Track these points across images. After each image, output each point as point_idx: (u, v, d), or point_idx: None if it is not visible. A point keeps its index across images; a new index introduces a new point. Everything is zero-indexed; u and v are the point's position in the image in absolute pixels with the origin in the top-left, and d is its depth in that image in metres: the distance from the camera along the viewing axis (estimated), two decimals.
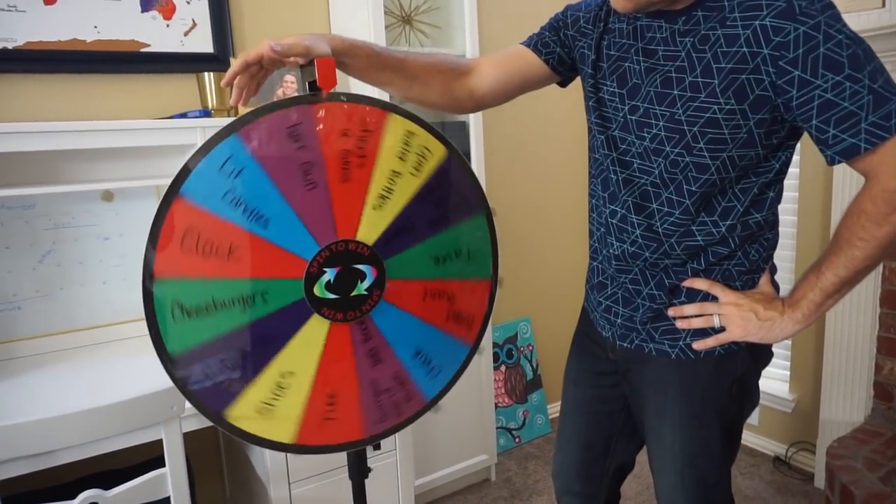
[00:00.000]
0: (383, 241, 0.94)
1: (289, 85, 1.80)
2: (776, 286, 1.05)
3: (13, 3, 1.58)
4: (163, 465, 1.17)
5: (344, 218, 0.91)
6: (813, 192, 2.18)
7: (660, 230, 1.00)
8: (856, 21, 1.89)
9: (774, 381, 2.39)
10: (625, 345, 1.09)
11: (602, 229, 1.08)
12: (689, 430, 1.04)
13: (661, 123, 0.95)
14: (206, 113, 1.67)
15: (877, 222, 0.86)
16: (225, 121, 1.42)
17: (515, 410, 2.64)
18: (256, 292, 0.87)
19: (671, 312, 1.03)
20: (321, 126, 0.88)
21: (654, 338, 1.05)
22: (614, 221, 1.04)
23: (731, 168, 0.94)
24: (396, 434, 1.73)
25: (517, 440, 2.63)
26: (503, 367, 2.62)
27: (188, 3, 1.81)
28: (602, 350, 1.16)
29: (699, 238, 0.98)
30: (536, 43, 1.14)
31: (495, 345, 2.57)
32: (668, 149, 0.95)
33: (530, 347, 2.71)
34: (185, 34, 1.81)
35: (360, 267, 0.94)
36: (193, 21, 1.82)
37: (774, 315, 0.96)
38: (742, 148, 0.92)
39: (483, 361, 2.23)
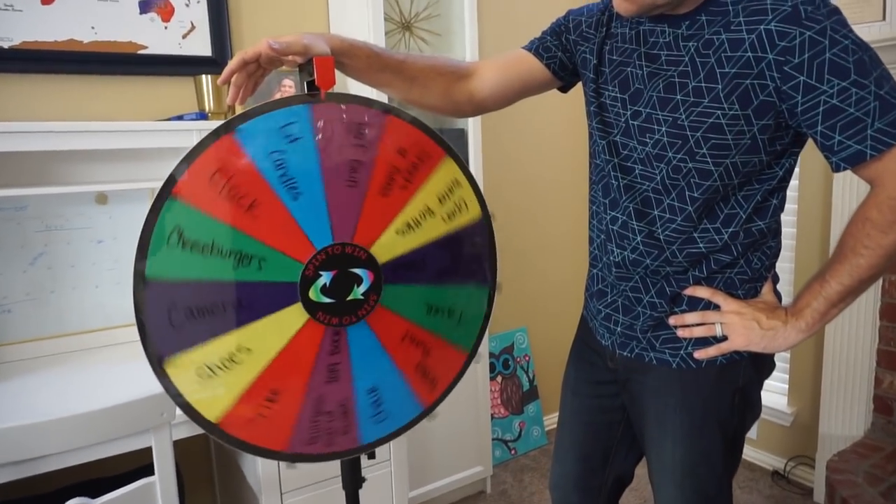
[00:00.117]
0: (392, 266, 0.93)
1: (287, 89, 1.79)
2: (778, 296, 1.03)
3: (10, 3, 1.56)
4: (152, 473, 1.14)
5: (367, 227, 0.90)
6: (812, 203, 2.17)
7: (661, 237, 0.98)
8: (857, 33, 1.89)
9: (773, 394, 2.37)
10: (625, 354, 1.07)
11: (602, 236, 1.07)
12: (690, 441, 1.02)
13: (663, 129, 0.93)
14: (202, 116, 1.65)
15: (882, 230, 0.85)
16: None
17: (511, 421, 2.62)
18: (256, 255, 0.84)
19: (672, 321, 1.01)
20: (385, 135, 0.90)
21: (655, 346, 1.03)
22: (615, 228, 1.03)
23: (735, 174, 0.92)
24: (391, 444, 1.71)
25: (513, 452, 2.60)
26: (499, 378, 2.59)
27: (187, 5, 1.80)
28: (601, 359, 1.14)
29: (701, 245, 0.97)
30: (538, 47, 1.12)
31: (491, 355, 2.55)
32: (670, 154, 0.94)
33: (527, 358, 2.68)
34: (184, 37, 1.80)
35: (357, 271, 0.92)
36: (192, 24, 1.81)
37: (777, 324, 0.94)
38: (745, 154, 0.91)
39: (479, 371, 2.21)
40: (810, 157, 1.97)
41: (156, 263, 0.80)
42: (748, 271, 0.99)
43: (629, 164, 1.00)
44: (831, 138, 0.84)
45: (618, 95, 1.00)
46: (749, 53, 0.85)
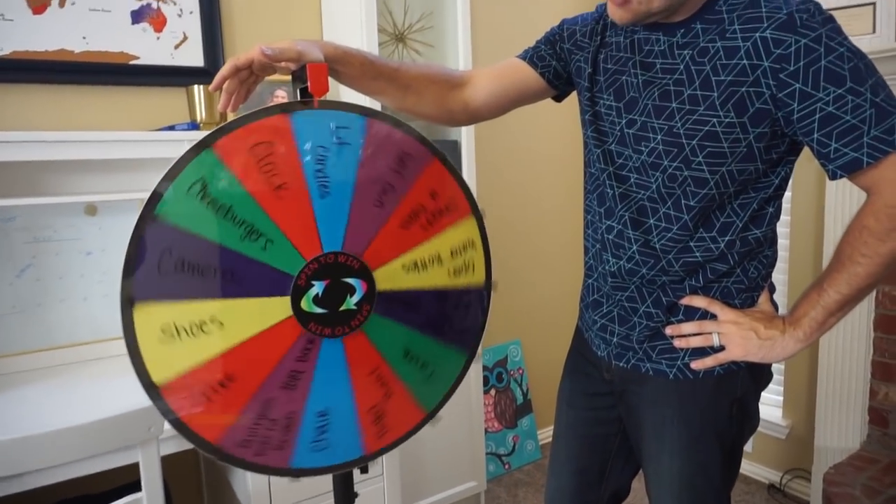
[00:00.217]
0: (388, 297, 0.91)
1: (279, 99, 1.78)
2: (775, 306, 1.03)
3: (0, 12, 1.55)
4: (140, 489, 1.12)
5: (378, 249, 0.90)
6: (805, 213, 2.18)
7: (657, 246, 0.97)
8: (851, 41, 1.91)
9: (768, 406, 2.36)
10: (621, 364, 1.06)
11: (598, 245, 1.06)
12: (688, 453, 1.01)
13: (658, 137, 0.93)
14: (194, 126, 1.64)
15: (879, 238, 0.84)
16: None
17: (505, 436, 2.59)
18: (265, 235, 0.83)
19: (669, 331, 1.00)
20: (425, 174, 0.92)
21: (652, 357, 1.02)
22: (610, 237, 1.02)
23: (731, 183, 0.92)
24: (384, 458, 1.69)
25: (507, 466, 2.58)
26: (493, 391, 2.57)
27: (179, 16, 1.79)
28: (597, 370, 1.13)
29: (697, 254, 0.96)
30: (532, 56, 1.12)
31: (485, 368, 2.52)
32: (665, 163, 0.93)
33: (520, 371, 2.66)
34: (176, 47, 1.80)
35: (350, 280, 0.91)
36: (184, 34, 1.81)
37: (775, 334, 0.93)
38: (741, 162, 0.90)
39: (472, 385, 2.19)
40: (803, 167, 1.98)
41: (170, 203, 0.78)
42: (745, 280, 0.98)
43: (624, 172, 0.99)
44: (827, 146, 0.84)
45: (613, 104, 1.00)
46: (744, 61, 0.85)
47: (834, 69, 0.81)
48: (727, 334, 0.96)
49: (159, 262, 0.78)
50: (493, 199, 2.47)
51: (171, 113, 1.78)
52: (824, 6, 0.85)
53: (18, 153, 1.40)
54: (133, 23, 1.73)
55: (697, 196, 0.93)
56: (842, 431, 2.04)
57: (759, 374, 1.02)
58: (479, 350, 1.01)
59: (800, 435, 2.28)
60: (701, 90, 0.89)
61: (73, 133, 1.46)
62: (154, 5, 1.75)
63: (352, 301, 0.91)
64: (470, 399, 2.18)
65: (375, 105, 1.29)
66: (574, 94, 1.17)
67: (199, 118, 1.67)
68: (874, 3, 1.93)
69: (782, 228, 2.19)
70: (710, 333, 0.97)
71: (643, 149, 0.95)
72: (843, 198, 1.96)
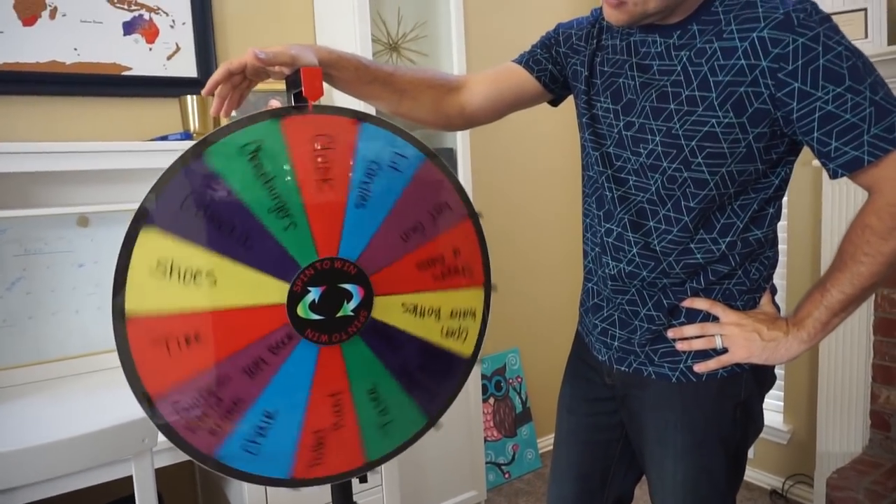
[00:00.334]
0: (378, 327, 0.90)
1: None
2: (777, 308, 1.02)
3: None
4: (133, 503, 1.09)
5: (388, 278, 0.90)
6: (803, 216, 2.18)
7: (657, 248, 0.96)
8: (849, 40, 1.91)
9: (769, 412, 2.35)
10: (622, 369, 1.05)
11: (597, 249, 1.05)
12: (692, 458, 0.99)
13: (657, 138, 0.92)
14: (187, 136, 1.63)
15: (882, 237, 0.83)
16: None
17: (505, 445, 2.57)
18: (293, 218, 0.83)
19: (671, 334, 0.99)
20: (455, 230, 0.94)
21: (654, 360, 1.01)
22: (610, 240, 1.01)
23: (731, 183, 0.91)
24: (383, 467, 1.66)
25: (507, 476, 2.55)
26: (492, 400, 2.55)
27: (172, 27, 1.79)
28: (598, 375, 1.11)
29: (698, 256, 0.95)
30: (528, 60, 1.12)
31: (483, 376, 2.51)
32: (664, 164, 0.92)
33: (519, 379, 2.64)
34: (169, 58, 1.79)
35: (347, 286, 0.89)
36: (177, 45, 1.80)
37: (779, 335, 0.92)
38: (741, 163, 0.89)
39: (471, 393, 2.17)
40: (799, 170, 1.98)
41: (219, 150, 0.79)
42: (747, 282, 0.97)
43: (623, 175, 0.98)
44: (828, 145, 0.83)
45: (610, 106, 0.99)
46: (742, 61, 0.85)
47: (832, 68, 0.81)
48: (730, 336, 0.95)
49: (185, 199, 0.78)
50: (489, 206, 2.46)
51: (164, 123, 1.77)
52: None
53: (9, 164, 1.39)
54: (125, 34, 1.72)
55: (697, 197, 0.92)
56: (843, 436, 2.03)
57: (762, 377, 1.01)
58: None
59: (801, 440, 2.26)
60: (699, 91, 0.88)
61: (65, 144, 1.45)
62: (146, 16, 1.75)
63: (349, 307, 0.89)
64: (469, 407, 2.16)
65: (381, 113, 1.28)
66: (570, 99, 1.16)
67: (192, 128, 1.66)
68: (865, 9, 1.94)
69: (780, 233, 2.20)
70: (713, 336, 0.96)
71: (642, 151, 0.94)
72: (841, 201, 1.96)
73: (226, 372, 0.82)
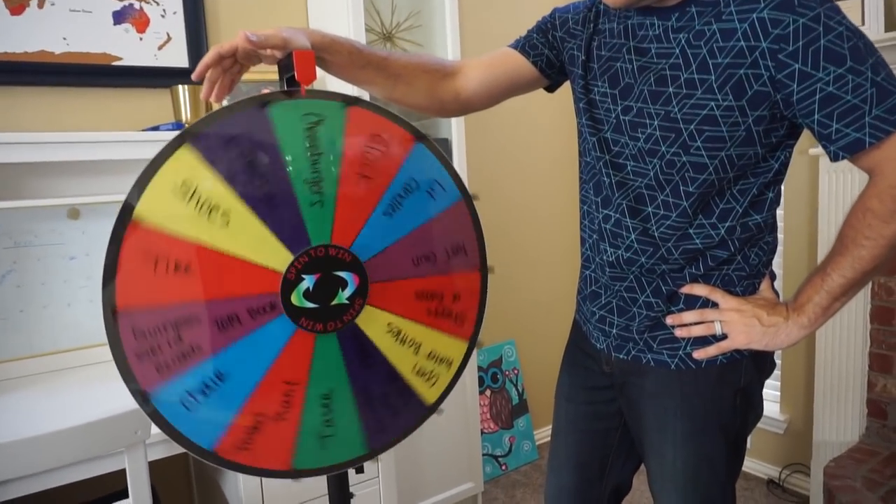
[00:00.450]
0: (356, 333, 0.88)
1: None
2: (776, 293, 1.01)
3: None
4: (127, 497, 1.08)
5: (383, 292, 0.90)
6: (799, 202, 2.17)
7: (656, 234, 0.95)
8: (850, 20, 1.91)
9: (765, 401, 2.34)
10: (621, 356, 1.04)
11: (595, 236, 1.04)
12: (692, 445, 0.99)
13: (655, 123, 0.91)
14: (179, 126, 1.61)
15: (884, 220, 0.82)
16: None
17: (501, 436, 2.56)
18: (325, 198, 0.84)
19: (670, 320, 0.98)
20: (462, 276, 0.95)
21: (653, 347, 1.00)
22: (608, 227, 1.00)
23: (730, 168, 0.90)
24: (380, 459, 1.65)
25: (504, 467, 2.55)
26: (488, 392, 2.54)
27: (163, 16, 1.76)
28: (596, 363, 1.10)
29: (697, 241, 0.94)
30: (524, 45, 1.10)
31: (480, 368, 2.50)
32: (663, 149, 0.91)
33: (515, 371, 2.64)
34: (160, 48, 1.76)
35: (341, 274, 0.88)
36: (168, 35, 1.77)
37: (779, 320, 0.91)
38: (740, 146, 0.88)
39: (468, 385, 2.16)
40: (796, 158, 1.98)
41: (282, 111, 0.81)
42: (746, 267, 0.96)
43: (621, 160, 0.97)
44: (829, 127, 0.82)
45: (607, 91, 0.98)
46: (742, 43, 0.83)
47: (833, 48, 0.79)
48: (729, 322, 0.94)
49: (234, 137, 0.79)
50: (485, 197, 2.45)
51: (156, 114, 1.75)
52: None
53: None
54: (115, 23, 1.70)
55: (696, 182, 0.91)
56: (840, 425, 2.03)
57: (762, 363, 1.00)
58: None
59: (798, 430, 2.26)
60: (698, 74, 0.87)
61: (55, 134, 1.42)
62: (136, 6, 1.72)
63: (343, 295, 0.88)
64: (465, 399, 2.15)
65: (364, 94, 1.27)
66: (566, 87, 1.15)
67: (184, 118, 1.64)
68: None
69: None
70: (713, 322, 0.95)
71: (640, 135, 0.93)
72: (837, 189, 1.95)
73: (199, 314, 0.80)
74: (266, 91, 0.83)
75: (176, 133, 0.78)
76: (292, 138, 0.82)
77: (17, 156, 1.38)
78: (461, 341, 0.96)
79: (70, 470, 1.11)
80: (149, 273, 0.77)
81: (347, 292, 0.88)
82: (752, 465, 2.41)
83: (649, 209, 0.95)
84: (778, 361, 2.29)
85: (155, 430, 0.78)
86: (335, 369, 0.87)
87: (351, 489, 1.02)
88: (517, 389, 2.63)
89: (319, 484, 1.47)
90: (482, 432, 2.45)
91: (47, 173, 1.58)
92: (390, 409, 0.93)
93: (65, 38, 1.63)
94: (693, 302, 0.97)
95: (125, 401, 0.76)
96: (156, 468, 1.17)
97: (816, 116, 0.82)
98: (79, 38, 1.65)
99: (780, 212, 2.17)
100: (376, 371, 0.90)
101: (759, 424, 2.32)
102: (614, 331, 1.03)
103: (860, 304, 1.96)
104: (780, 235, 2.20)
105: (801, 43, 0.80)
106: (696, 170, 0.90)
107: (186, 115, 1.63)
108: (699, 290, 0.96)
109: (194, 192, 0.78)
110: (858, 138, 0.81)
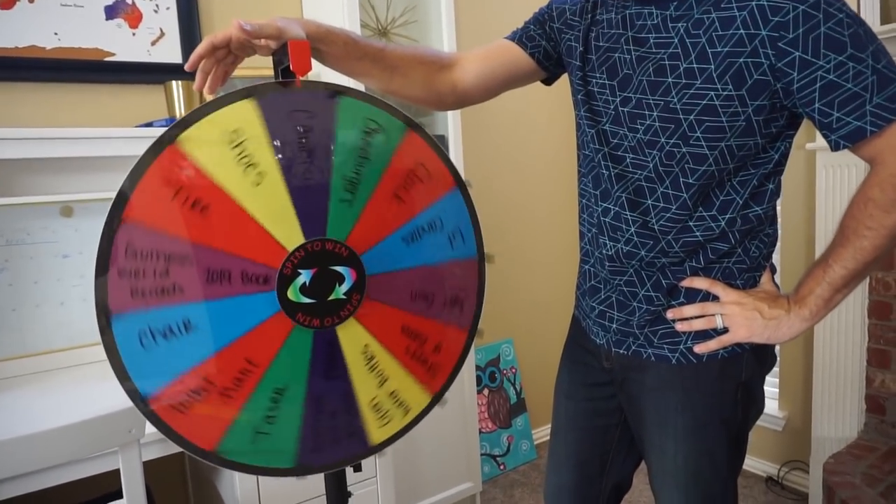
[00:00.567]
0: (333, 348, 0.87)
1: None
2: (777, 286, 1.00)
3: None
4: (121, 498, 1.06)
5: (380, 314, 0.89)
6: (796, 195, 2.17)
7: (656, 227, 0.94)
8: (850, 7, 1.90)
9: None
10: (621, 351, 1.03)
11: (594, 229, 1.02)
12: (694, 441, 0.98)
13: (654, 114, 0.90)
14: (172, 122, 1.59)
15: (885, 210, 0.81)
16: None
17: (500, 436, 2.55)
18: (358, 200, 0.86)
19: (670, 314, 0.97)
20: (451, 326, 0.96)
21: (653, 342, 0.99)
22: (607, 220, 0.99)
23: (730, 158, 0.89)
24: (377, 459, 1.64)
25: (502, 467, 2.53)
26: (486, 391, 2.53)
27: (156, 11, 1.75)
28: (596, 359, 1.09)
29: (697, 234, 0.93)
30: (521, 37, 1.09)
31: (478, 368, 2.49)
32: (662, 140, 0.90)
33: (513, 370, 2.63)
34: (153, 43, 1.75)
35: (338, 268, 0.86)
36: (161, 30, 1.76)
37: (780, 313, 0.90)
38: (740, 137, 0.87)
39: (466, 384, 2.14)
40: (793, 153, 1.97)
41: (351, 109, 0.84)
42: (746, 260, 0.95)
43: (620, 152, 0.96)
44: (829, 115, 0.81)
45: (606, 82, 0.97)
46: (741, 31, 0.82)
47: (834, 35, 0.78)
48: (731, 315, 0.93)
49: (297, 111, 0.82)
50: (482, 194, 2.44)
51: (149, 109, 1.73)
52: None
53: None
54: (107, 18, 1.68)
55: (696, 173, 0.90)
56: (839, 421, 2.02)
57: (763, 357, 0.99)
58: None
59: (796, 426, 2.26)
60: (697, 63, 0.86)
61: (47, 130, 1.41)
62: (129, 0, 1.70)
63: (341, 290, 0.86)
64: (463, 399, 2.14)
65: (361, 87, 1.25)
66: (564, 81, 1.14)
67: (177, 114, 1.62)
68: None
69: None
70: (713, 315, 0.94)
71: (639, 127, 0.92)
72: (834, 183, 1.95)
73: (194, 257, 0.78)
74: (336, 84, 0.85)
75: None
76: (349, 134, 0.84)
77: (8, 152, 1.36)
78: (426, 395, 0.95)
79: (64, 470, 1.09)
80: (167, 197, 0.77)
81: (345, 287, 0.87)
82: (751, 462, 2.40)
83: (649, 202, 0.94)
84: (776, 357, 2.28)
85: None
86: (298, 366, 0.85)
87: (349, 488, 1.00)
88: (515, 388, 2.62)
89: (317, 483, 1.45)
90: (480, 432, 2.44)
91: (40, 170, 1.56)
92: (333, 432, 0.89)
93: (56, 34, 1.61)
94: (693, 295, 0.96)
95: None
96: (151, 468, 1.15)
97: (817, 105, 0.81)
98: (70, 33, 1.63)
99: (777, 206, 2.18)
100: (335, 386, 0.87)
101: (758, 422, 2.31)
102: (614, 326, 1.02)
103: (857, 299, 1.95)
104: (779, 231, 2.20)
105: (801, 30, 0.79)
106: (696, 161, 0.89)
107: (180, 111, 1.62)
108: (699, 283, 0.95)
109: (242, 143, 0.79)
110: (860, 127, 0.80)
